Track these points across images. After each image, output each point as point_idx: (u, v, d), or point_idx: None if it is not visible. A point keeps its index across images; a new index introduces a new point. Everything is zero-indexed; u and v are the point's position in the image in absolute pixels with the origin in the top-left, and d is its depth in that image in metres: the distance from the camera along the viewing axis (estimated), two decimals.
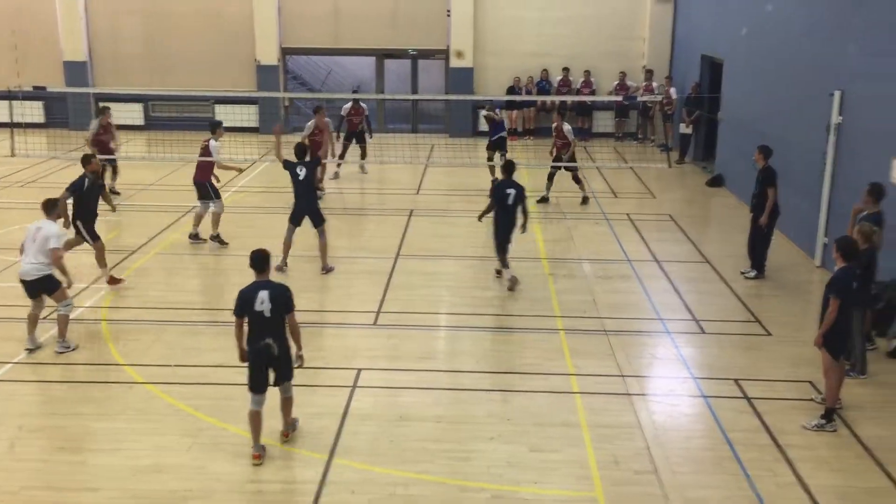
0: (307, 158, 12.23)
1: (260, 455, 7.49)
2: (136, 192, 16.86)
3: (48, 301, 9.65)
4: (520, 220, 11.75)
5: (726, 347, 10.13)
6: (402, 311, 11.06)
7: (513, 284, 11.74)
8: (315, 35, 23.44)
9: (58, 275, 9.51)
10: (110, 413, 8.31)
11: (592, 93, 22.50)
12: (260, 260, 7.49)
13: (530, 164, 18.43)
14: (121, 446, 7.70)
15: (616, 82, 22.50)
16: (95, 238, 11.53)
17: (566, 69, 22.79)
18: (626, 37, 23.15)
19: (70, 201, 11.34)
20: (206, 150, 13.38)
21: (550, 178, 16.38)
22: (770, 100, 15.42)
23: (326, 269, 12.32)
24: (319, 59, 27.21)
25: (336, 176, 18.49)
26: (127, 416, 8.26)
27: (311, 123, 16.37)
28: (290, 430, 7.85)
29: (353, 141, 18.43)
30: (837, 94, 12.26)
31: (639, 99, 20.82)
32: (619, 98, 20.62)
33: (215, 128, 13.68)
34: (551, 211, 16.03)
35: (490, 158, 17.49)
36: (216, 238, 13.45)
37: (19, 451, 7.69)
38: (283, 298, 7.40)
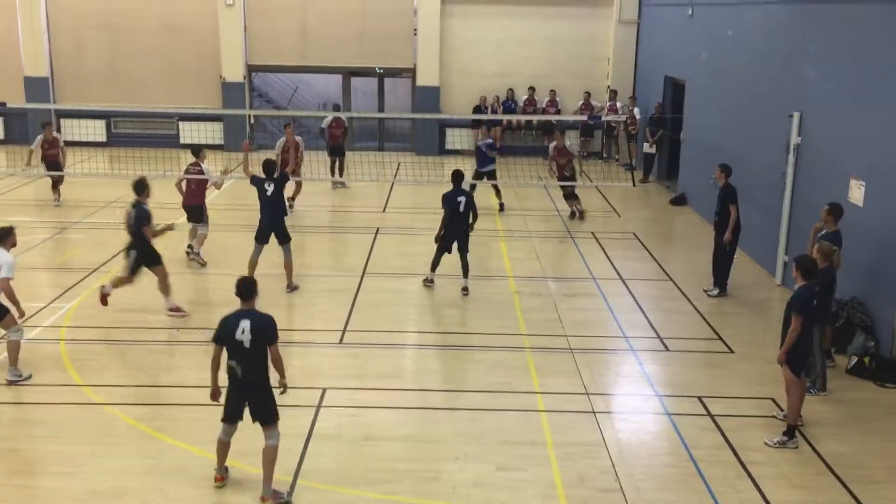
0: (276, 175, 12.16)
1: (222, 477, 7.34)
2: (97, 210, 16.61)
3: None
4: (470, 220, 12.32)
5: (690, 365, 10.21)
6: (368, 329, 10.99)
7: (427, 283, 12.49)
8: (281, 52, 23.37)
9: (8, 304, 9.07)
10: (67, 435, 8.13)
11: (558, 112, 22.71)
12: (246, 288, 7.17)
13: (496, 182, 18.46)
14: (78, 469, 7.52)
15: (581, 102, 22.73)
16: (132, 272, 11.08)
17: (532, 88, 22.99)
18: (591, 57, 23.44)
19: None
20: (200, 175, 13.32)
21: (571, 196, 16.74)
22: (731, 120, 15.69)
23: (291, 288, 12.22)
24: (286, 76, 27.12)
25: (345, 186, 19.08)
26: (84, 439, 8.08)
27: (282, 140, 16.37)
28: (268, 496, 7.05)
29: (336, 154, 18.84)
30: (796, 115, 12.50)
31: (603, 118, 21.06)
32: (584, 117, 20.84)
33: (199, 151, 13.66)
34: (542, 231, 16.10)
35: (493, 188, 17.51)
36: (196, 256, 13.34)
37: None
38: (265, 329, 7.02)
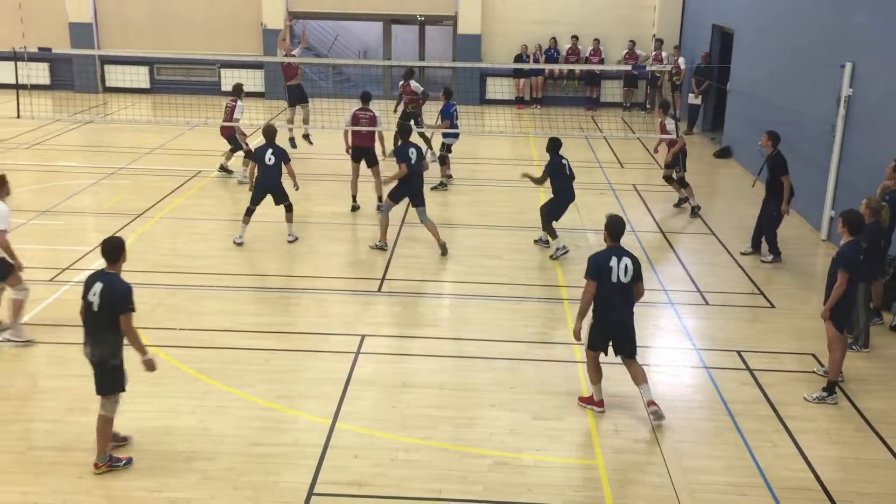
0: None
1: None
2: (141, 156, 16.83)
3: None
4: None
5: (730, 319, 10.13)
6: (407, 278, 11.07)
7: (544, 245, 12.30)
8: None
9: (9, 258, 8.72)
10: None
11: (601, 61, 22.30)
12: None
13: (537, 133, 18.31)
14: (127, 408, 7.70)
15: (625, 51, 22.28)
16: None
17: (575, 37, 22.58)
18: (636, 6, 22.90)
19: None
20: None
21: (682, 182, 14.28)
22: (780, 71, 15.27)
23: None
24: (326, 23, 26.96)
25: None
26: (133, 379, 8.27)
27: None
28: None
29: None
30: (849, 65, 12.11)
31: (648, 68, 20.64)
32: (628, 67, 20.43)
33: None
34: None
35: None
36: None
37: (30, 411, 7.78)
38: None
